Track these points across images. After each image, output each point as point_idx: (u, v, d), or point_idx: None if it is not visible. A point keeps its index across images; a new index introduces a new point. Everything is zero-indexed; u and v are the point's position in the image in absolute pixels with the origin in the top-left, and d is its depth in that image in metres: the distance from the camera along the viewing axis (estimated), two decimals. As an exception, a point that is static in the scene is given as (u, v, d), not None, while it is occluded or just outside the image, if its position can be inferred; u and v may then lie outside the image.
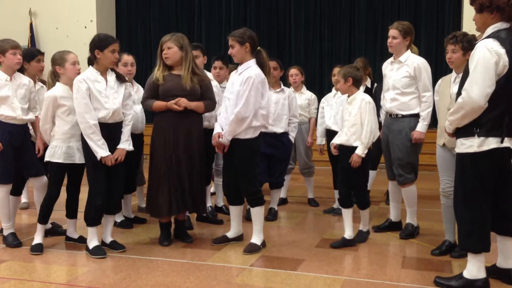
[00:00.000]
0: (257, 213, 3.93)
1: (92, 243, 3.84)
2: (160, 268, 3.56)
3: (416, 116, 4.17)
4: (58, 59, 3.86)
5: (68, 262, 3.70)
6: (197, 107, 4.01)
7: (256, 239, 3.95)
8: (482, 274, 3.08)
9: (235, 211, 4.09)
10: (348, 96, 4.07)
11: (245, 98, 3.73)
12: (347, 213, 4.05)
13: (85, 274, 3.45)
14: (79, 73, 3.82)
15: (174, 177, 3.94)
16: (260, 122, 3.86)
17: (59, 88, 3.85)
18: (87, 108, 3.68)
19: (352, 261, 3.73)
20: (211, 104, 4.12)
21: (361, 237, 4.21)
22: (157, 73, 4.01)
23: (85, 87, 3.70)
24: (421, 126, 4.15)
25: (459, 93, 3.06)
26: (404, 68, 4.18)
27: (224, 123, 3.88)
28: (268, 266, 3.61)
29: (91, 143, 3.70)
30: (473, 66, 2.94)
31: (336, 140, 4.14)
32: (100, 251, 3.81)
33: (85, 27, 9.92)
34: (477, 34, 3.47)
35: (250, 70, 3.82)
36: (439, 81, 4.07)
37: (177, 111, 3.93)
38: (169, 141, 3.96)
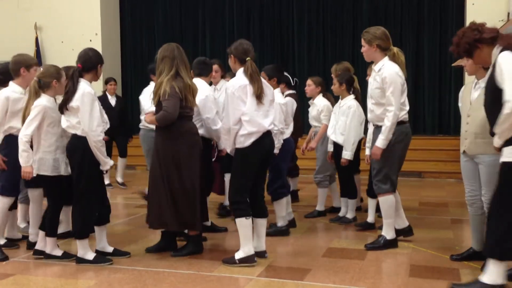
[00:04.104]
0: (239, 224, 3.80)
1: (90, 254, 3.86)
2: (167, 280, 3.56)
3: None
4: (56, 73, 3.91)
5: (74, 276, 3.70)
6: (152, 121, 3.97)
7: (239, 252, 3.82)
8: (501, 280, 3.09)
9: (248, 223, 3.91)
10: None
11: (226, 110, 3.83)
12: (372, 202, 4.87)
13: (92, 287, 3.45)
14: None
15: (160, 190, 3.96)
16: (248, 129, 3.76)
17: (48, 99, 3.88)
18: (99, 120, 3.76)
19: (359, 270, 3.71)
20: (161, 115, 3.86)
21: (366, 225, 4.83)
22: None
23: (97, 100, 3.79)
24: (379, 141, 4.03)
25: (490, 102, 3.10)
26: (376, 79, 4.11)
27: None
28: (275, 276, 3.60)
29: (100, 155, 3.77)
30: (505, 77, 2.96)
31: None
32: (105, 258, 3.87)
33: (90, 41, 10.01)
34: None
35: (230, 80, 3.91)
36: (463, 88, 3.99)
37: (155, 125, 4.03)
38: (156, 153, 4.00)
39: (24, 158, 3.80)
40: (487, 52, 3.19)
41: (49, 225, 3.93)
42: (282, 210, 4.69)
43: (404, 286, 3.39)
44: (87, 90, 3.73)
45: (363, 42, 4.18)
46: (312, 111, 5.55)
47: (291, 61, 10.71)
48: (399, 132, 4.05)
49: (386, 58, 4.12)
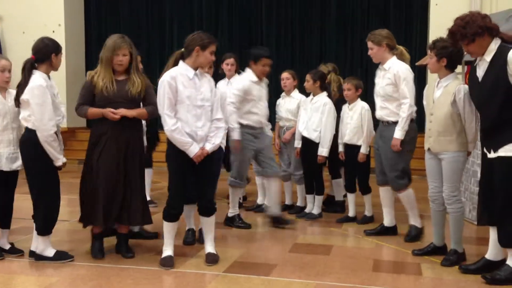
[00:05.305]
0: (213, 221, 3.87)
1: (50, 250, 3.76)
2: (131, 276, 3.51)
3: None
4: None
5: (35, 272, 3.61)
6: (139, 114, 3.83)
7: (213, 248, 3.85)
8: None
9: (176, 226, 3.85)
10: (349, 104, 4.96)
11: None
12: (351, 197, 5.07)
13: (54, 284, 3.38)
14: (7, 81, 3.75)
15: (112, 186, 3.78)
16: None
17: None
18: (51, 114, 3.61)
19: (325, 265, 3.76)
20: (154, 109, 3.81)
21: (364, 219, 4.95)
22: (99, 78, 3.77)
23: (48, 93, 3.61)
24: (396, 133, 4.18)
25: (489, 96, 3.26)
26: (387, 76, 4.24)
27: (200, 131, 3.66)
28: (241, 272, 3.60)
29: (52, 150, 3.62)
30: None
31: (341, 140, 5.06)
32: (66, 255, 3.79)
33: (53, 31, 9.73)
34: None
35: (208, 75, 3.86)
36: (427, 86, 4.11)
37: (117, 119, 3.74)
38: (109, 150, 3.78)
39: None
40: (487, 42, 3.27)
41: None
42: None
43: (367, 280, 3.45)
44: (37, 83, 3.58)
45: (371, 45, 4.29)
46: (289, 105, 5.50)
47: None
48: (413, 129, 4.22)
49: (395, 57, 4.27)
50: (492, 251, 3.46)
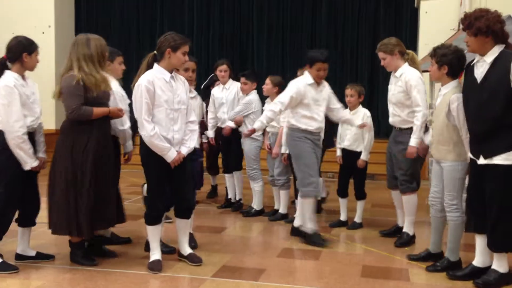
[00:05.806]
0: (190, 222, 3.93)
1: None
2: (119, 280, 3.48)
3: None
4: None
5: (20, 276, 3.56)
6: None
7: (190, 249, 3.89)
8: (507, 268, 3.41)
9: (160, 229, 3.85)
10: (351, 110, 4.92)
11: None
12: (343, 202, 5.09)
13: (40, 287, 3.34)
14: None
15: (109, 188, 3.69)
16: None
17: None
18: (19, 115, 3.51)
19: (313, 270, 3.76)
20: None
21: (353, 225, 4.99)
22: (96, 79, 3.62)
23: (17, 93, 3.52)
24: (412, 140, 4.18)
25: (488, 99, 3.23)
26: (398, 83, 4.27)
27: (177, 134, 3.65)
28: (229, 276, 3.59)
29: (21, 152, 3.52)
30: None
31: (339, 145, 5.07)
32: (11, 267, 3.61)
33: (43, 33, 9.66)
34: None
35: (183, 77, 3.84)
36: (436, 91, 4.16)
37: (111, 118, 3.77)
38: (101, 150, 3.65)
39: None
40: (489, 45, 3.26)
41: None
42: None
43: (356, 286, 3.46)
44: (3, 83, 3.52)
45: (382, 55, 4.32)
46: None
47: (250, 58, 10.75)
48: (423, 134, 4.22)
49: (406, 64, 4.31)
50: (480, 258, 3.47)
